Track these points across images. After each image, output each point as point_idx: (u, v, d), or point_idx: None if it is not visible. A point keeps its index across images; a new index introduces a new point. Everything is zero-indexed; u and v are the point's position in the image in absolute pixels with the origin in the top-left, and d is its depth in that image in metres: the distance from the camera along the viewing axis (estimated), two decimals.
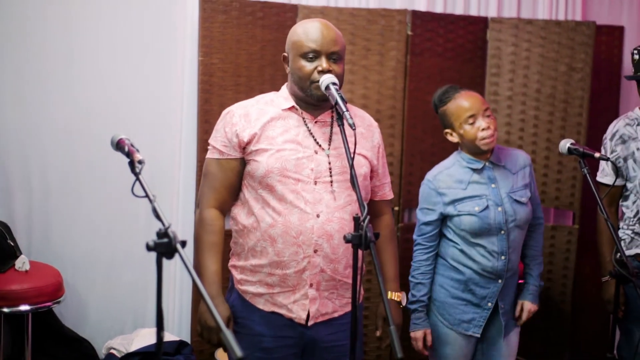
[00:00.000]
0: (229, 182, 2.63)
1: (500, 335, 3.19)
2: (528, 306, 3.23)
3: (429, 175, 3.15)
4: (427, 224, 3.12)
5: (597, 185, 2.81)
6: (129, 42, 4.04)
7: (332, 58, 2.53)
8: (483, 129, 3.02)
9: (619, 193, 3.55)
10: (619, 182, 3.50)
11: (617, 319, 3.52)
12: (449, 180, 3.10)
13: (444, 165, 3.17)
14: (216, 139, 2.64)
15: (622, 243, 3.51)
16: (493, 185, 3.10)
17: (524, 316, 3.24)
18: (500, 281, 3.11)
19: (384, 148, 2.81)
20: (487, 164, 3.12)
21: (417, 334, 3.15)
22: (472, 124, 3.03)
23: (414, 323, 3.15)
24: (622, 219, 3.57)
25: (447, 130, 3.13)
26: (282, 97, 2.64)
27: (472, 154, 3.11)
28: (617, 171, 3.39)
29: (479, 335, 3.15)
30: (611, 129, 3.56)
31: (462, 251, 3.10)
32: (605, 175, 3.52)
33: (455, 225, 3.09)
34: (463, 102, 3.06)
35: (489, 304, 3.13)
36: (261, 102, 2.66)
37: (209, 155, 2.67)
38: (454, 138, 3.11)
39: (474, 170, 3.10)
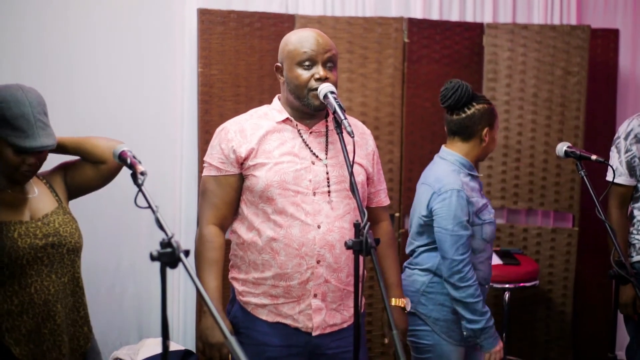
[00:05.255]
0: (228, 198, 2.63)
1: None
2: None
3: (455, 184, 2.95)
4: (470, 237, 2.97)
5: (594, 187, 2.82)
6: (129, 55, 4.07)
7: (327, 65, 2.54)
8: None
9: (629, 194, 3.52)
10: (631, 182, 3.49)
11: (632, 321, 3.50)
12: (468, 188, 3.00)
13: (456, 173, 3.01)
14: (212, 156, 2.63)
15: (632, 248, 3.50)
16: (482, 192, 3.10)
17: None
18: (487, 286, 3.11)
19: (378, 155, 2.81)
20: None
21: (499, 345, 2.99)
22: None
23: (495, 338, 2.98)
24: (632, 223, 3.53)
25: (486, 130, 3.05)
26: (276, 110, 2.64)
27: (476, 161, 3.10)
28: (614, 171, 3.39)
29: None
30: (625, 128, 3.51)
31: None
32: (618, 175, 3.47)
33: (476, 236, 2.99)
34: None
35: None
36: (255, 116, 2.66)
37: (205, 173, 2.65)
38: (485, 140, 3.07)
39: (473, 177, 3.07)
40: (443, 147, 3.13)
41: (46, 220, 2.49)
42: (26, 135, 2.34)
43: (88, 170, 2.59)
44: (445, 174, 3.00)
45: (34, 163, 2.41)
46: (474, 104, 3.03)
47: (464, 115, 3.03)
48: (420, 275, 3.06)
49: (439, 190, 2.96)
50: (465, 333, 3.00)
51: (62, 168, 2.65)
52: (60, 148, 2.57)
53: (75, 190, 2.66)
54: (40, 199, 2.54)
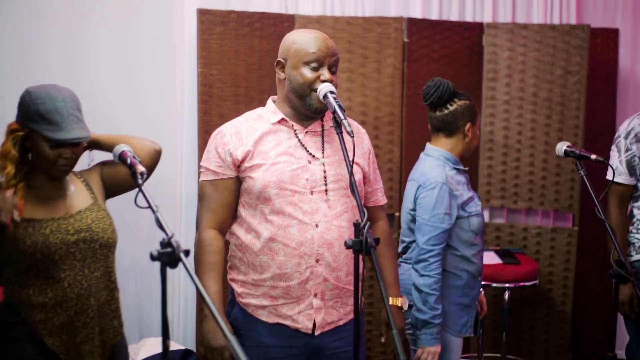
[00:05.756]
0: (226, 202, 2.62)
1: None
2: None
3: (439, 177, 3.01)
4: (446, 231, 3.00)
5: (593, 186, 2.83)
6: (129, 55, 4.07)
7: (331, 69, 2.56)
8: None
9: (629, 193, 3.52)
10: (631, 181, 3.49)
11: (631, 320, 3.51)
12: (453, 182, 3.05)
13: (441, 168, 3.06)
14: (209, 161, 2.63)
15: (632, 247, 3.50)
16: (469, 186, 3.15)
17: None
18: (480, 278, 3.16)
19: (373, 154, 2.82)
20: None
21: (437, 348, 2.98)
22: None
23: (434, 338, 2.96)
24: (632, 222, 3.54)
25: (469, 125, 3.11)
26: (270, 112, 2.65)
27: (461, 156, 3.14)
28: (614, 170, 3.40)
29: (472, 335, 3.18)
30: (625, 127, 3.52)
31: (461, 257, 3.06)
32: (618, 174, 3.48)
33: (464, 228, 3.04)
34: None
35: (476, 303, 3.18)
36: (249, 119, 2.66)
37: (202, 178, 2.65)
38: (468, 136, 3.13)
39: (459, 171, 3.12)
40: (428, 144, 3.19)
41: (79, 217, 2.54)
42: (60, 128, 2.41)
43: (123, 169, 2.60)
44: (430, 169, 3.07)
45: (70, 157, 2.47)
46: (456, 100, 3.12)
47: (446, 111, 3.11)
48: None
49: (424, 184, 3.03)
50: (409, 320, 3.01)
51: (100, 165, 2.70)
52: (95, 144, 2.62)
53: (111, 189, 2.72)
54: (76, 195, 2.60)
